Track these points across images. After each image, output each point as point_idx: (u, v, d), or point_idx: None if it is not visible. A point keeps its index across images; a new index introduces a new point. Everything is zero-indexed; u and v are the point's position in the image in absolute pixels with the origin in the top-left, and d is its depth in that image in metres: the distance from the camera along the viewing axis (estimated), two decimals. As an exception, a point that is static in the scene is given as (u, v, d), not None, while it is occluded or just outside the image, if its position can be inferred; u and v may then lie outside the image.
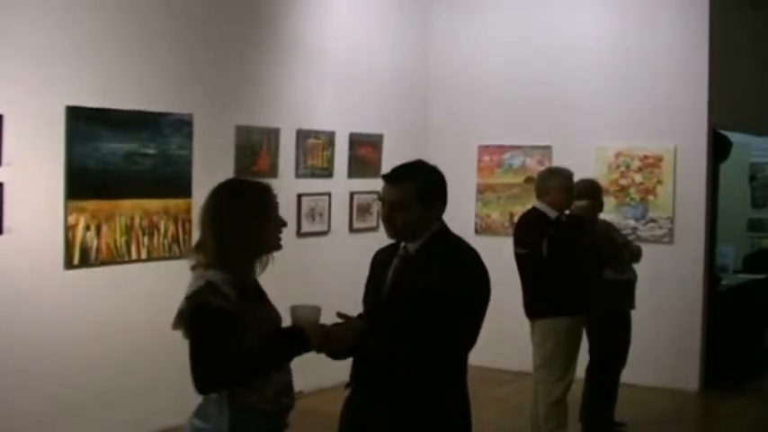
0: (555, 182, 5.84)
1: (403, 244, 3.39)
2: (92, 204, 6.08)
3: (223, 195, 3.15)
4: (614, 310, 6.60)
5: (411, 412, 3.23)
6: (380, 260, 3.48)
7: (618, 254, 6.60)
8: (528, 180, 8.75)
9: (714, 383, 8.23)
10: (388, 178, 3.38)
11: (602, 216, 6.67)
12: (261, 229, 3.14)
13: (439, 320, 3.17)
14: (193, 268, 3.15)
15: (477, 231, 9.06)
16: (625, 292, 6.66)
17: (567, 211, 5.89)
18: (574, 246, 5.72)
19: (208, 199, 3.16)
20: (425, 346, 3.18)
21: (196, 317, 3.03)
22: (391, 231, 3.36)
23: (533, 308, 5.82)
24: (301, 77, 7.85)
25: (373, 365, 3.28)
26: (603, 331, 6.50)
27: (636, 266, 6.78)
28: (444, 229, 3.38)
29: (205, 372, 3.01)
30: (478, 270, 3.31)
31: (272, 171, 7.46)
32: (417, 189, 3.31)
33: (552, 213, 5.79)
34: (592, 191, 6.49)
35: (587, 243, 5.97)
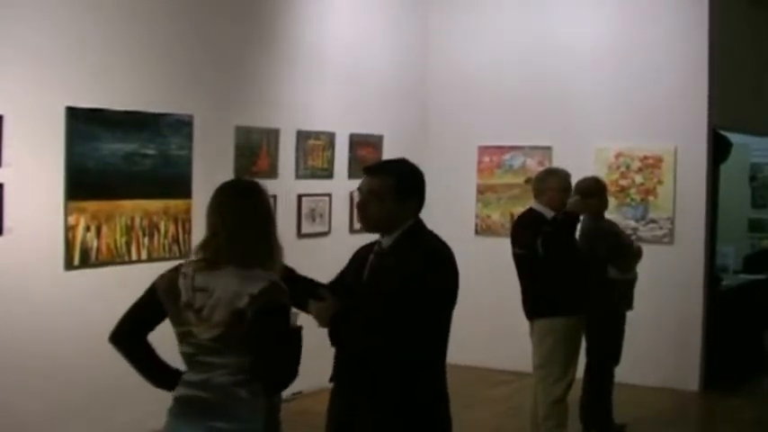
0: (552, 182, 5.86)
1: (378, 239, 3.45)
2: (92, 205, 6.08)
3: (258, 195, 3.20)
4: (614, 311, 6.60)
5: (390, 406, 3.27)
6: (360, 256, 3.54)
7: (624, 253, 6.62)
8: (528, 181, 8.74)
9: (714, 384, 8.23)
10: (369, 169, 3.47)
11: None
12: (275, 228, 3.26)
13: (413, 317, 3.22)
14: (214, 266, 3.10)
15: (477, 232, 9.07)
16: (625, 292, 6.67)
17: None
18: (569, 243, 5.73)
19: (245, 198, 3.17)
20: (401, 342, 3.23)
21: (278, 317, 3.06)
22: (364, 221, 3.43)
23: (532, 308, 5.83)
24: (301, 78, 7.86)
25: (352, 359, 3.35)
26: (602, 331, 6.50)
27: (637, 266, 6.79)
28: (418, 225, 3.43)
29: (292, 370, 3.10)
30: (450, 267, 3.37)
31: (272, 172, 7.46)
32: (394, 182, 3.37)
33: (549, 213, 5.81)
34: (596, 189, 6.52)
35: (584, 240, 6.00)
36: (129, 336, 3.25)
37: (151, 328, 3.24)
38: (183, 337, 3.15)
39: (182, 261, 3.26)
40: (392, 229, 3.38)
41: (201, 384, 3.12)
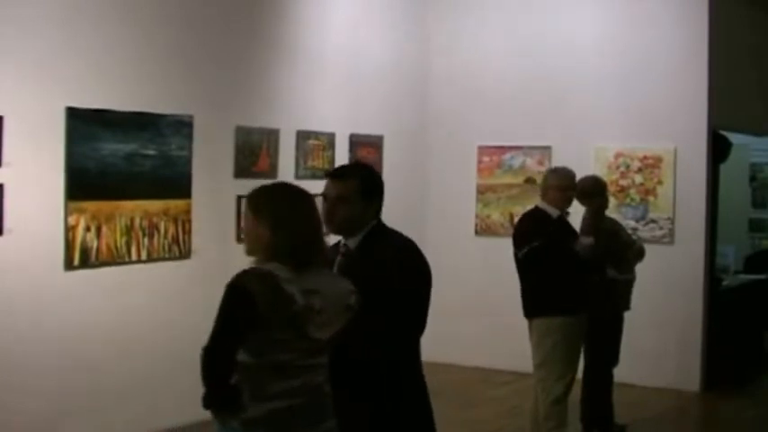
0: (552, 181, 5.91)
1: (343, 242, 3.54)
2: (92, 205, 6.09)
3: None
4: (612, 311, 6.59)
5: (369, 401, 3.34)
6: None
7: (623, 253, 6.61)
8: (528, 180, 8.78)
9: (715, 384, 8.22)
10: (333, 175, 3.59)
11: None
12: None
13: (387, 316, 3.30)
14: (307, 267, 3.05)
15: (477, 232, 9.07)
16: (624, 293, 6.67)
17: (580, 241, 5.88)
18: (566, 247, 5.73)
19: (311, 201, 3.14)
20: (376, 341, 3.31)
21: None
22: (331, 225, 3.52)
23: (530, 307, 5.83)
24: (301, 78, 7.86)
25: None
26: (601, 332, 6.49)
27: (637, 266, 6.79)
28: (381, 224, 3.55)
29: None
30: (421, 262, 3.48)
31: (272, 172, 7.46)
32: (359, 185, 3.50)
33: (554, 212, 5.83)
34: (597, 189, 6.53)
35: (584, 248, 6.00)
36: (227, 357, 2.98)
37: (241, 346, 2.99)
38: (290, 342, 2.99)
39: (257, 266, 3.02)
40: (357, 230, 3.50)
41: (299, 390, 3.02)
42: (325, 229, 3.48)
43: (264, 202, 3.10)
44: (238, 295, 2.94)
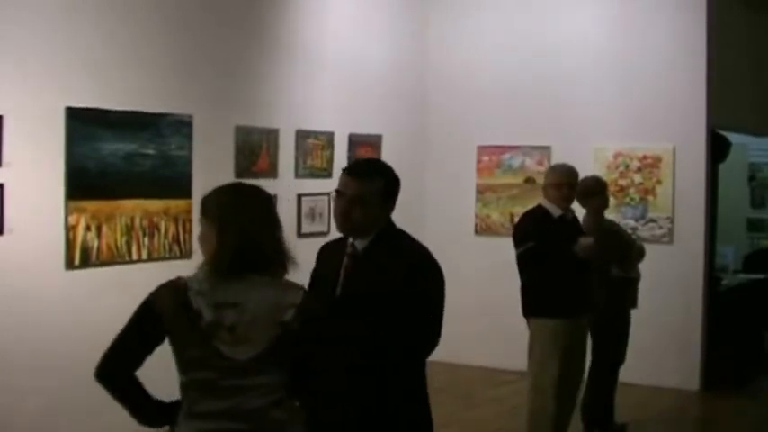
0: (548, 178, 5.91)
1: (351, 241, 3.36)
2: (92, 205, 6.08)
3: (271, 199, 3.01)
4: (618, 309, 6.60)
5: (372, 415, 3.22)
6: (328, 257, 3.45)
7: (627, 252, 6.62)
8: (528, 180, 8.78)
9: (714, 383, 8.23)
10: (356, 173, 3.34)
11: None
12: None
13: (397, 321, 3.16)
14: (235, 277, 2.81)
15: (476, 232, 9.08)
16: (629, 291, 6.67)
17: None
18: (548, 262, 5.68)
19: (263, 202, 2.91)
20: (383, 348, 3.18)
21: (327, 323, 2.90)
22: (346, 226, 3.33)
23: (526, 307, 5.82)
24: (301, 78, 7.86)
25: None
26: (607, 331, 6.50)
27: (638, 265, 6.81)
28: (390, 225, 3.38)
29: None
30: (435, 267, 3.30)
31: (272, 171, 7.47)
32: (382, 187, 3.31)
33: (555, 211, 5.81)
34: (598, 188, 6.53)
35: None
36: (122, 371, 2.84)
37: (144, 359, 2.85)
38: (204, 361, 2.77)
39: (175, 277, 2.90)
40: (369, 232, 3.31)
41: (229, 413, 2.76)
42: (337, 227, 3.36)
43: (212, 203, 2.89)
44: (144, 310, 2.84)
